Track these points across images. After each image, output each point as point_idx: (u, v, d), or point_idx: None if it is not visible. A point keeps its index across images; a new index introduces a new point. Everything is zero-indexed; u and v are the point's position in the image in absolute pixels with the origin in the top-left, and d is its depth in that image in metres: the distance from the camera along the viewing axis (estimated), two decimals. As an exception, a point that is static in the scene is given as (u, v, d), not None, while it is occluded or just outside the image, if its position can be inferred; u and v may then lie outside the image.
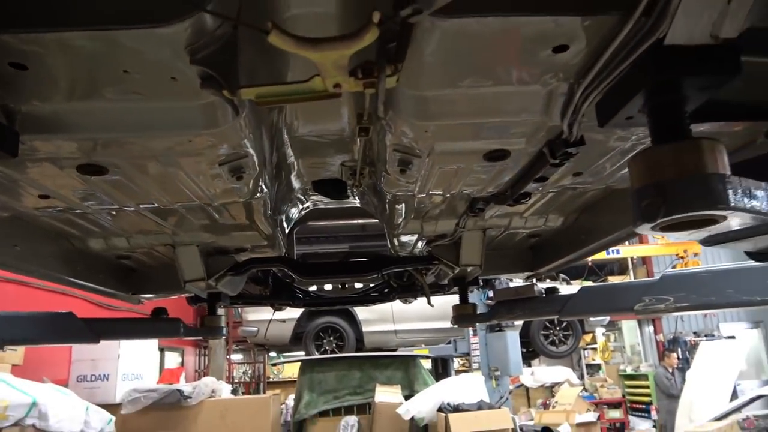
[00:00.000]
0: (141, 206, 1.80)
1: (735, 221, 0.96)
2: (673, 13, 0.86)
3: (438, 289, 3.66)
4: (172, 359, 14.04)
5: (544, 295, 2.98)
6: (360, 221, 3.99)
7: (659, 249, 16.51)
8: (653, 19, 0.89)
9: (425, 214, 2.38)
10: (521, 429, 7.89)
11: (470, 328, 10.13)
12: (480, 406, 6.62)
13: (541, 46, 1.02)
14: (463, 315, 3.16)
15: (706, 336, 15.70)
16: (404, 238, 2.86)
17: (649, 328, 17.65)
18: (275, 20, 0.99)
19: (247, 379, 18.45)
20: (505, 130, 1.37)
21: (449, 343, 10.78)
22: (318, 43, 0.87)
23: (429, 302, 3.39)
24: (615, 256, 16.64)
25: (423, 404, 6.76)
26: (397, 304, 11.51)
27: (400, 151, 1.48)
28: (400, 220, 2.35)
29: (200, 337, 3.44)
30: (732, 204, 0.88)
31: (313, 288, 4.34)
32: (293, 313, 10.68)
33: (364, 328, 11.23)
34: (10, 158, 1.09)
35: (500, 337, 9.36)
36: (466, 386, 7.18)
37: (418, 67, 1.04)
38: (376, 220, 3.72)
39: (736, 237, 1.08)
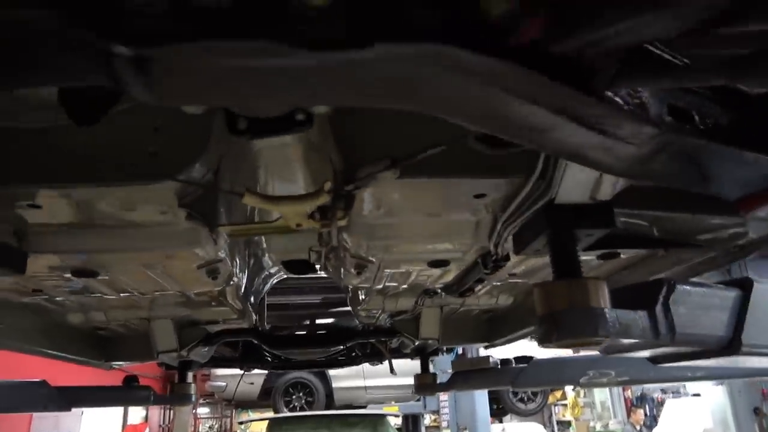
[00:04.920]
0: (122, 295, 1.98)
1: (617, 342, 1.19)
2: (559, 181, 1.12)
3: (402, 355, 3.84)
4: (136, 413, 13.67)
5: (498, 367, 3.18)
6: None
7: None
8: (546, 183, 1.15)
9: (387, 293, 2.59)
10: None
11: (440, 385, 10.16)
12: (446, 467, 6.65)
13: (464, 194, 1.27)
14: (424, 384, 3.33)
15: (672, 393, 15.93)
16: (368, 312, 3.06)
17: (618, 385, 17.80)
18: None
19: (214, 434, 17.96)
20: (443, 246, 1.61)
21: (419, 399, 10.77)
22: (282, 201, 1.10)
23: (392, 371, 3.56)
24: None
25: (390, 465, 6.77)
26: (368, 360, 11.30)
27: (355, 257, 1.70)
28: (363, 298, 2.55)
29: (169, 405, 3.49)
30: (610, 332, 1.11)
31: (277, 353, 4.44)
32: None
33: (334, 384, 11.18)
34: (19, 275, 1.27)
35: (469, 394, 9.42)
36: (434, 446, 7.21)
37: (364, 207, 1.28)
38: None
39: (628, 350, 1.31)
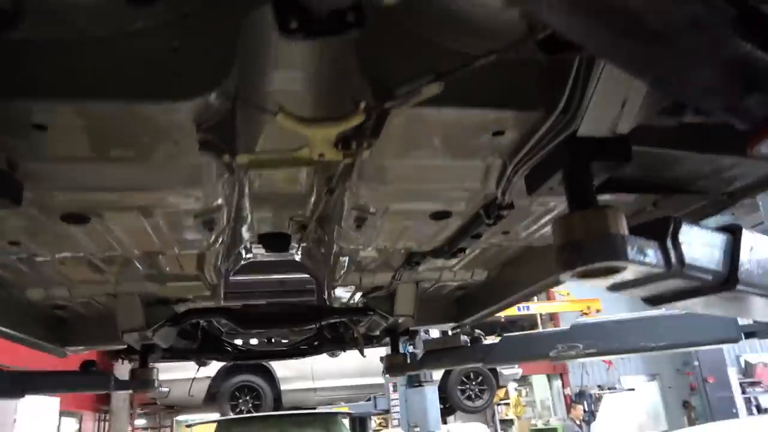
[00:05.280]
0: (105, 254, 1.86)
1: (633, 272, 1.24)
2: (583, 113, 1.15)
3: (368, 341, 3.81)
4: (69, 426, 12.94)
5: (469, 345, 3.22)
6: (279, 277, 4.11)
7: (565, 306, 17.49)
8: (569, 116, 1.18)
9: (365, 267, 2.57)
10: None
11: (390, 384, 10.21)
12: (402, 461, 6.66)
13: (484, 130, 1.28)
14: (395, 364, 3.33)
15: (609, 389, 16.61)
16: (340, 292, 3.02)
17: (558, 383, 18.40)
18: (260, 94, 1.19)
19: (151, 446, 17.19)
20: (450, 194, 1.62)
21: (369, 399, 10.75)
22: (313, 122, 1.07)
23: (362, 353, 3.53)
24: (525, 312, 17.43)
25: (345, 462, 6.71)
26: (316, 362, 11.37)
27: (357, 209, 1.68)
28: (342, 272, 2.51)
29: (130, 391, 3.33)
30: (630, 257, 1.15)
31: (239, 342, 4.33)
32: (207, 371, 10.35)
33: (283, 387, 10.99)
34: (14, 207, 1.18)
35: (419, 392, 9.49)
36: (388, 442, 7.21)
37: (385, 142, 1.27)
38: (295, 276, 3.86)
39: (634, 285, 1.35)
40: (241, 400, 10.73)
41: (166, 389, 10.88)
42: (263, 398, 10.76)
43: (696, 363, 16.77)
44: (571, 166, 1.23)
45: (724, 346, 17.15)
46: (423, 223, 1.82)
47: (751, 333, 2.83)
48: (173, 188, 1.39)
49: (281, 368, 10.86)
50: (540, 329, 18.71)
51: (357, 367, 11.09)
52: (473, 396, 11.26)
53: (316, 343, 4.04)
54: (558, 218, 1.22)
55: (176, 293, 2.63)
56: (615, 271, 1.20)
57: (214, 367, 10.16)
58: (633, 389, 17.00)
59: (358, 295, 3.09)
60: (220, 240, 1.93)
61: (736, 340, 2.79)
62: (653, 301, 1.49)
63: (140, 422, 17.51)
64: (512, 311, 15.71)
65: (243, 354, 4.19)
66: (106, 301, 2.60)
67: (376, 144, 1.26)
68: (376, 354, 10.52)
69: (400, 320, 2.97)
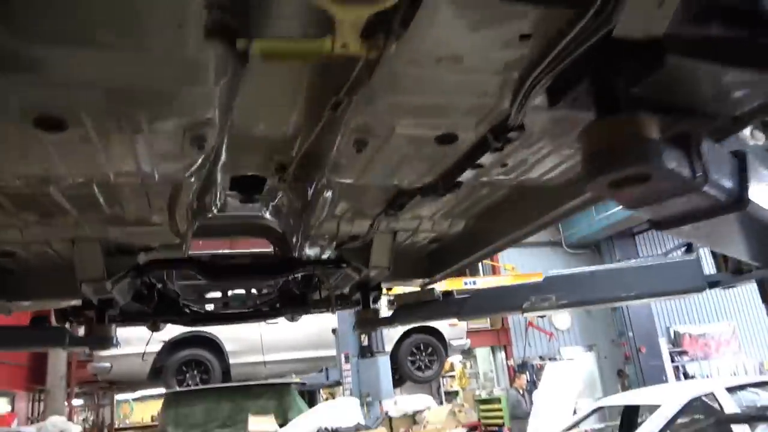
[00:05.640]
0: (74, 180, 1.68)
1: (657, 184, 1.21)
2: (620, 11, 1.09)
3: (339, 298, 3.71)
4: (0, 406, 12.28)
5: (441, 299, 3.20)
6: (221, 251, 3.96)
7: (510, 280, 17.96)
8: (605, 14, 1.12)
9: (342, 214, 2.47)
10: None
11: (342, 356, 10.21)
12: (357, 428, 6.69)
13: (512, 31, 1.20)
14: (366, 319, 3.26)
15: (550, 359, 17.27)
16: (310, 250, 2.92)
17: (501, 354, 18.96)
18: None
19: (89, 426, 16.55)
20: (461, 111, 1.53)
21: (321, 371, 10.72)
22: (345, 1, 0.97)
23: (333, 310, 3.45)
24: (472, 287, 17.82)
25: (300, 429, 6.67)
26: (266, 334, 11.15)
27: (359, 130, 1.58)
28: (322, 215, 2.39)
29: (86, 347, 3.12)
30: (664, 164, 1.11)
31: (194, 308, 4.16)
32: (151, 346, 10.01)
33: (231, 360, 10.77)
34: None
35: (372, 362, 9.54)
36: (342, 409, 7.22)
37: (408, 42, 1.17)
38: (237, 251, 3.73)
39: (651, 200, 1.32)
40: (188, 375, 10.44)
41: (107, 365, 10.48)
42: (211, 372, 10.51)
43: (630, 334, 17.67)
44: (602, 71, 1.18)
45: (656, 317, 18.16)
46: (425, 149, 1.73)
47: (714, 283, 2.93)
48: (168, 88, 1.24)
49: (230, 342, 10.63)
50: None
51: (308, 339, 11.03)
52: (423, 366, 11.41)
53: (278, 305, 3.91)
54: (587, 125, 1.17)
55: (141, 240, 2.46)
56: (644, 179, 1.17)
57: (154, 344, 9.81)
58: (572, 359, 17.71)
59: (329, 250, 2.99)
60: (202, 170, 1.79)
61: (701, 289, 2.88)
62: (662, 223, 1.48)
63: (78, 402, 16.85)
64: (458, 285, 16.06)
65: (201, 316, 4.02)
66: (61, 249, 2.40)
67: (397, 45, 1.16)
68: (327, 325, 10.47)
69: (375, 273, 2.90)
